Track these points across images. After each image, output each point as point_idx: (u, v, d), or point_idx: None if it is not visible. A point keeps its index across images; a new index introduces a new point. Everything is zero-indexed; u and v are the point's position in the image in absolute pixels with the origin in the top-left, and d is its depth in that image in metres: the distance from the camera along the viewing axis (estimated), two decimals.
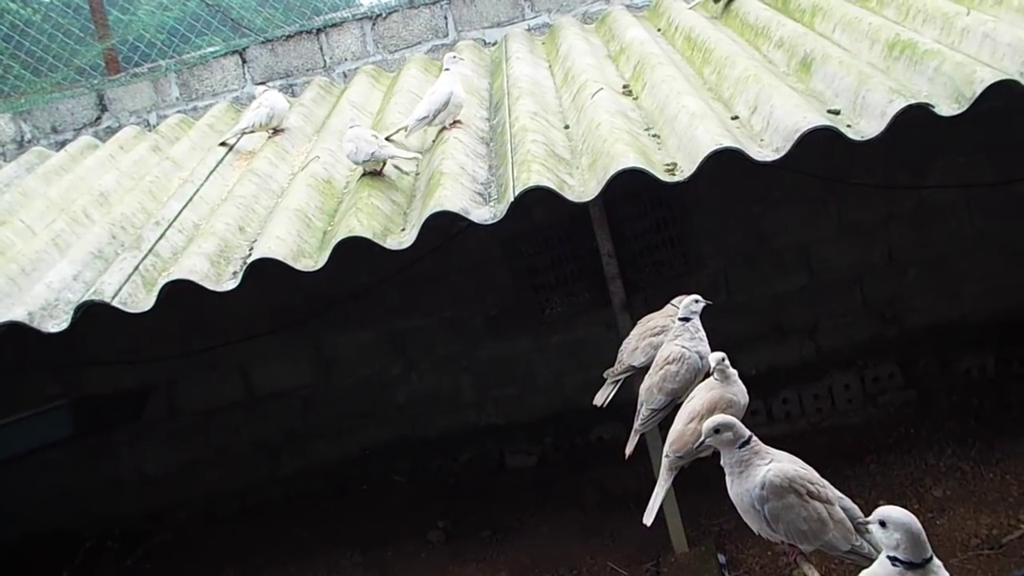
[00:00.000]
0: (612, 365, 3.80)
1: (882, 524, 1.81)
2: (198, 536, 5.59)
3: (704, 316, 3.37)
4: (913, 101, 3.42)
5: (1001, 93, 3.44)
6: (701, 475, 3.70)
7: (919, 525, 1.78)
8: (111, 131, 5.84)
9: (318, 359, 5.91)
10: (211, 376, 5.82)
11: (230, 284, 3.49)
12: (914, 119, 3.56)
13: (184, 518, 5.76)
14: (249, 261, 3.49)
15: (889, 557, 1.77)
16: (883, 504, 4.48)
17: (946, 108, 3.47)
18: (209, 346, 5.41)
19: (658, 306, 3.84)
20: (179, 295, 3.50)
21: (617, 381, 3.44)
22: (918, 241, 5.53)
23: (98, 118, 5.93)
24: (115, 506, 5.82)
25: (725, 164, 3.66)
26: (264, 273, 3.54)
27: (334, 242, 3.50)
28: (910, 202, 5.48)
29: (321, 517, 5.62)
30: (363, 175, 4.06)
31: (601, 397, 3.49)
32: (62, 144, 5.83)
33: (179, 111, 5.84)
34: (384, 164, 4.06)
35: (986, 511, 4.29)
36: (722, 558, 4.45)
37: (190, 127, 5.48)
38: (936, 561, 1.77)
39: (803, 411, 5.67)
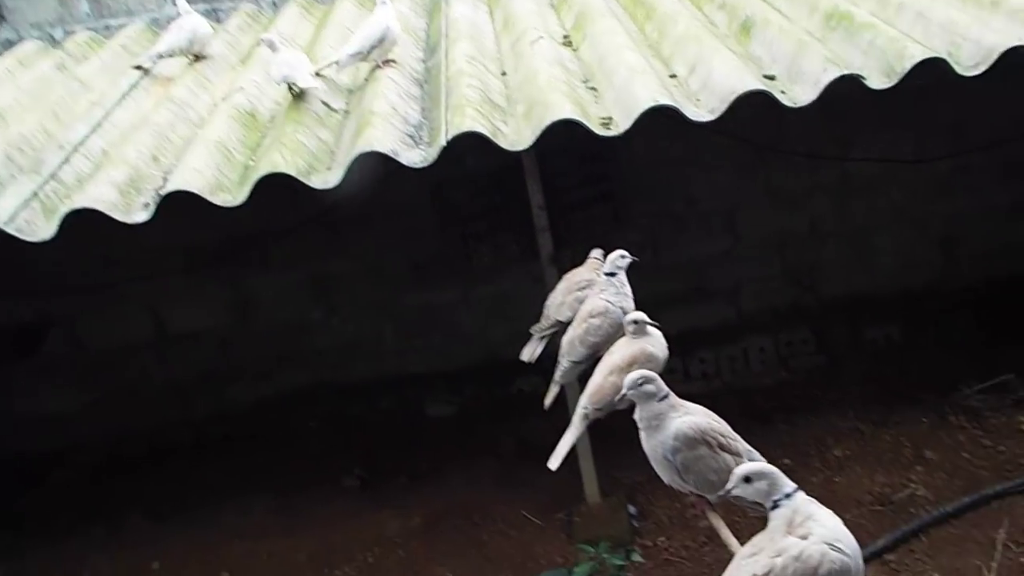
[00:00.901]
0: (538, 318, 3.79)
1: (747, 480, 1.87)
2: (102, 478, 5.41)
3: (629, 274, 3.37)
4: (847, 72, 3.46)
5: (929, 71, 3.51)
6: (617, 430, 3.75)
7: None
8: (8, 44, 5.41)
9: (235, 300, 5.73)
10: (119, 313, 5.59)
11: (141, 216, 3.32)
12: (845, 91, 3.61)
13: (88, 459, 5.56)
14: (163, 192, 3.32)
15: (771, 506, 1.84)
16: (787, 462, 4.61)
17: (877, 81, 3.53)
18: (116, 281, 5.17)
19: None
20: (85, 225, 3.31)
21: (544, 337, 3.42)
22: (839, 213, 5.66)
23: None
24: (11, 444, 5.56)
25: (660, 122, 3.64)
26: (179, 207, 3.37)
27: (255, 177, 3.35)
28: (835, 174, 5.59)
29: (233, 462, 5.50)
30: (290, 105, 3.89)
31: (528, 353, 3.46)
32: None
33: (89, 28, 5.45)
34: (300, 90, 3.94)
35: (881, 471, 4.50)
36: (632, 509, 4.55)
37: (101, 47, 5.14)
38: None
39: (719, 371, 5.80)
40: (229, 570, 4.55)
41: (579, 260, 3.86)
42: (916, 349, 5.64)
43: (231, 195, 3.41)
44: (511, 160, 4.13)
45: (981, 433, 4.63)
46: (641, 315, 2.66)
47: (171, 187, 3.31)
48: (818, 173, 5.59)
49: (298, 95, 3.98)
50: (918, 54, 3.47)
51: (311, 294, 5.73)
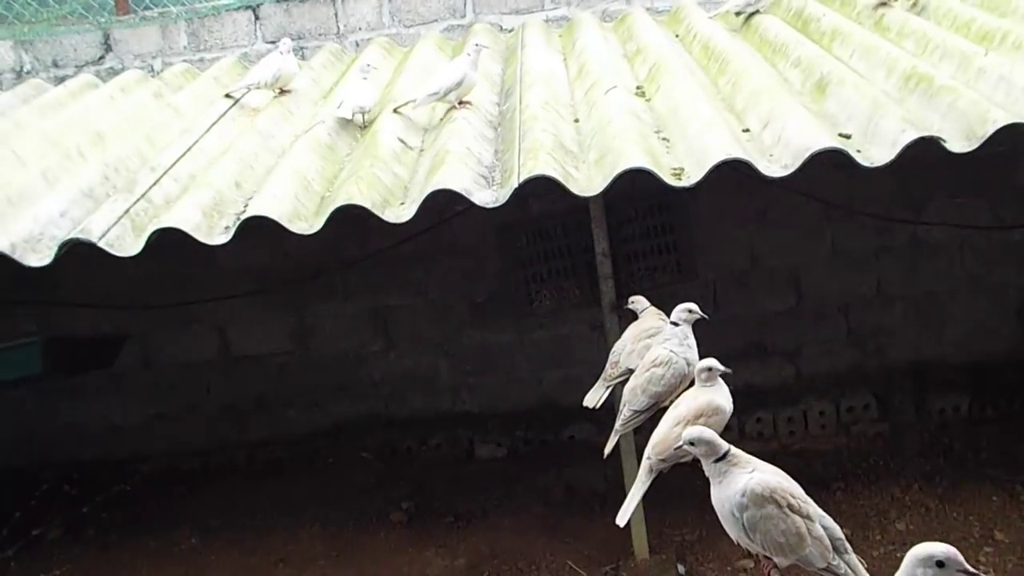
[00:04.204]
0: (593, 364, 3.76)
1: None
2: (156, 492, 5.52)
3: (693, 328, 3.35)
4: (926, 134, 3.42)
5: (1010, 136, 3.45)
6: (668, 485, 3.69)
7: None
8: (113, 72, 5.73)
9: (298, 327, 5.85)
10: (188, 331, 5.76)
11: (221, 238, 3.44)
12: (919, 153, 3.56)
13: (145, 471, 5.68)
14: (243, 217, 3.43)
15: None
16: (846, 532, 4.47)
17: (957, 144, 3.47)
18: (190, 300, 5.33)
19: None
20: (166, 244, 3.44)
21: (610, 385, 3.40)
22: (908, 276, 5.55)
23: (101, 57, 5.81)
24: (75, 452, 5.74)
25: (726, 177, 3.63)
26: (256, 232, 3.48)
27: (332, 208, 3.45)
28: (904, 237, 5.50)
29: (283, 486, 5.57)
30: (367, 141, 4.02)
31: (592, 399, 3.44)
32: (61, 79, 5.72)
33: (185, 60, 5.74)
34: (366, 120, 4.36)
35: None
36: (681, 568, 4.45)
37: (195, 77, 5.40)
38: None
39: (776, 433, 5.69)
40: None
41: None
42: (986, 423, 5.44)
43: (307, 223, 3.51)
44: (576, 206, 4.18)
45: None
46: (714, 362, 2.65)
47: (251, 212, 3.42)
48: (886, 235, 5.51)
49: (366, 127, 4.17)
50: (1002, 119, 3.40)
51: (371, 326, 5.83)
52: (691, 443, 2.21)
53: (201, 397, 5.84)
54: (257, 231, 3.51)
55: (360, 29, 5.77)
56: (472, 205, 3.54)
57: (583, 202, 3.97)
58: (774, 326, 5.66)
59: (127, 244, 3.40)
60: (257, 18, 5.77)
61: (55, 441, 5.71)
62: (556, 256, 4.61)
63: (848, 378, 5.67)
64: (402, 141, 4.09)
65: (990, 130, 3.39)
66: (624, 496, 4.34)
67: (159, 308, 5.34)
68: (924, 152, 3.56)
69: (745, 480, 2.14)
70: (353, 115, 4.27)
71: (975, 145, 3.43)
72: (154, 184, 3.77)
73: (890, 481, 4.98)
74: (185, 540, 5.11)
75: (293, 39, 5.70)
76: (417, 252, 5.64)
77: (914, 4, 4.94)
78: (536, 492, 5.30)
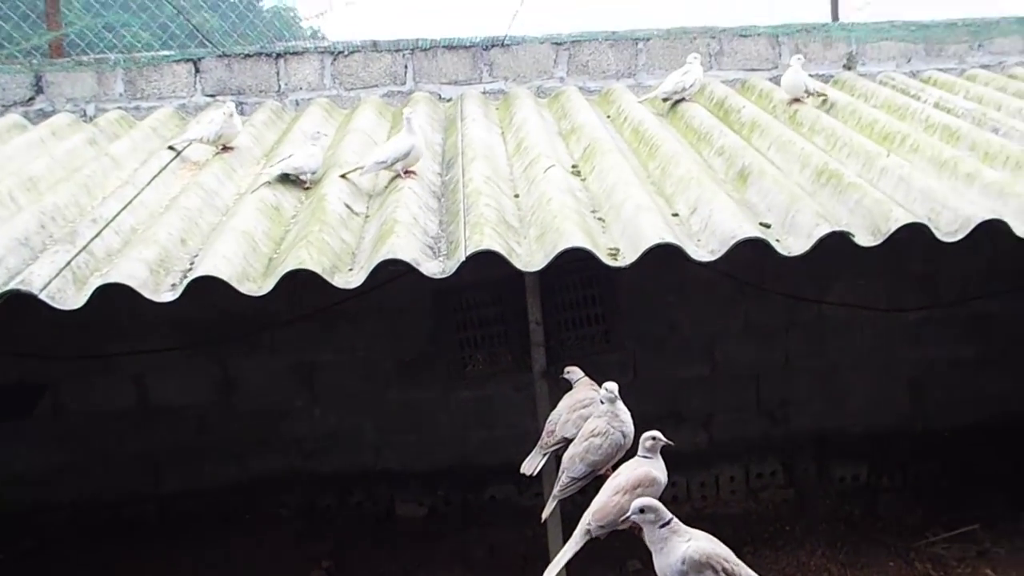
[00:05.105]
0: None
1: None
2: (64, 545, 5.30)
3: None
4: (837, 229, 3.75)
5: (908, 230, 3.82)
6: (588, 548, 3.84)
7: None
8: (43, 114, 5.63)
9: (221, 379, 5.78)
10: (103, 380, 5.61)
11: (168, 295, 3.43)
12: (829, 242, 3.90)
13: (50, 524, 5.45)
14: (192, 276, 3.44)
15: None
16: None
17: (863, 239, 3.82)
18: (112, 354, 5.21)
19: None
20: (102, 297, 3.40)
21: (547, 453, 3.54)
22: (813, 351, 5.94)
23: (31, 98, 5.70)
24: None
25: (653, 253, 3.87)
26: (198, 289, 3.49)
27: (283, 271, 3.49)
28: (810, 314, 5.91)
29: (199, 542, 5.44)
30: (313, 204, 4.10)
31: (530, 466, 3.57)
32: None
33: (120, 107, 5.68)
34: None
35: None
36: None
37: (132, 126, 5.36)
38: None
39: (689, 496, 5.93)
40: None
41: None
42: (883, 491, 5.84)
43: (256, 285, 3.55)
44: (509, 274, 4.34)
45: None
46: (658, 433, 2.84)
47: (202, 271, 3.43)
48: (795, 311, 5.90)
49: (309, 188, 4.31)
50: (902, 217, 3.75)
51: (296, 381, 5.81)
52: (641, 510, 2.38)
53: (114, 447, 5.67)
54: (199, 287, 3.51)
55: (301, 88, 5.87)
56: (412, 270, 3.64)
57: (517, 272, 4.14)
58: (689, 393, 5.94)
59: (68, 297, 3.36)
60: (198, 71, 5.79)
61: None
62: (490, 322, 4.76)
63: (757, 445, 5.99)
64: (348, 207, 4.18)
65: (892, 227, 3.75)
66: (546, 556, 4.46)
67: (76, 357, 5.19)
68: (833, 241, 3.90)
69: (684, 548, 2.33)
70: (285, 173, 4.36)
71: (879, 240, 3.77)
72: (96, 236, 3.74)
73: (796, 546, 5.26)
74: None
75: (233, 94, 5.76)
76: (346, 309, 5.69)
77: (824, 101, 5.41)
78: (458, 552, 5.35)
